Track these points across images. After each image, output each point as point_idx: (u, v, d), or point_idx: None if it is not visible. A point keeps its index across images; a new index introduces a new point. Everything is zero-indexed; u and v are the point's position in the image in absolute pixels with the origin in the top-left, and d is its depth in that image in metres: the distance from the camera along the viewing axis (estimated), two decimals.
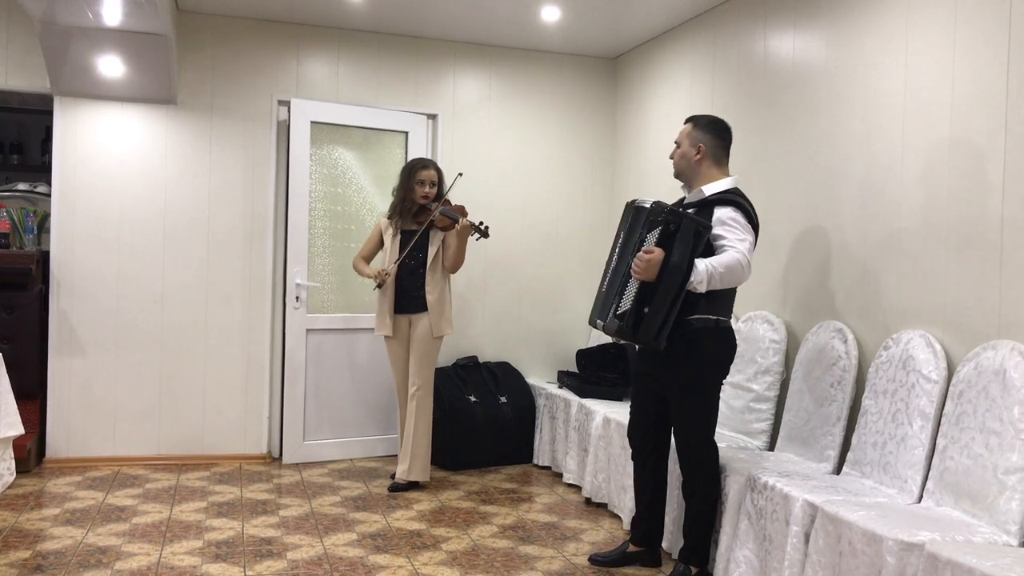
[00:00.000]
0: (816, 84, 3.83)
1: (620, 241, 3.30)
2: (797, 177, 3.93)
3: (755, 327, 3.96)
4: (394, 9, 4.91)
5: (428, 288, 4.53)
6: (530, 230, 5.69)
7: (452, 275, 4.64)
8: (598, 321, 3.29)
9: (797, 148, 3.94)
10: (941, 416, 2.95)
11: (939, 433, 2.93)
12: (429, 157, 5.20)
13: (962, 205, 3.06)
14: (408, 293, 4.59)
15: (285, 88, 5.20)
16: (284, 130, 5.18)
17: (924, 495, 2.91)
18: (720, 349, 3.27)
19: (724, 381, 3.37)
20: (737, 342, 4.06)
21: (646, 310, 3.07)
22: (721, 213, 3.18)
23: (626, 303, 3.13)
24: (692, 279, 3.03)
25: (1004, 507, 2.60)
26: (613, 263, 3.30)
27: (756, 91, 4.25)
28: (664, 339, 3.09)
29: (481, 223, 4.51)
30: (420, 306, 4.55)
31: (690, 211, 3.23)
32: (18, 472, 3.34)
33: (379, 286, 4.58)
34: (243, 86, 5.14)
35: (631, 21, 5.01)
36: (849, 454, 3.29)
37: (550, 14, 4.89)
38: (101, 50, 4.57)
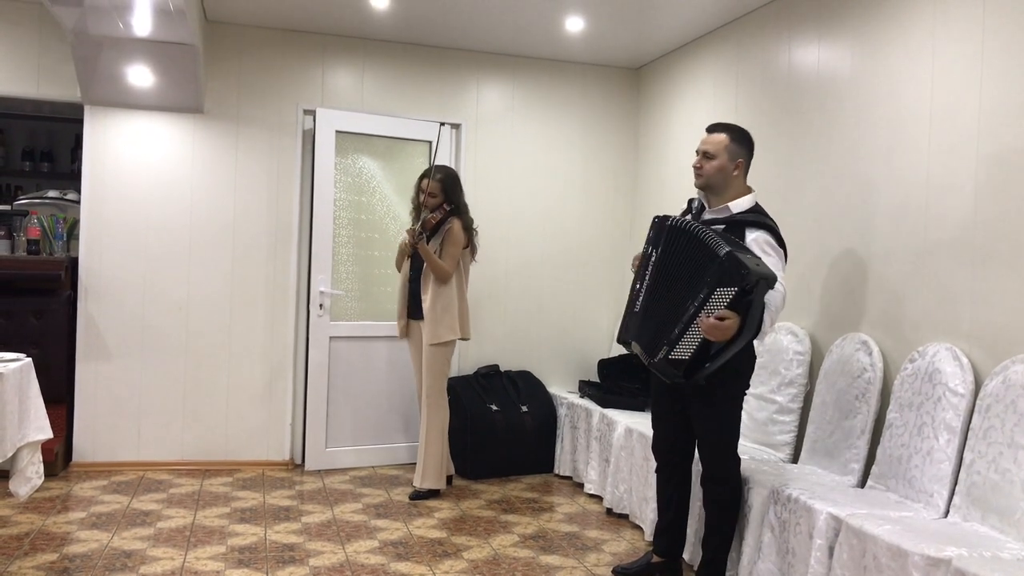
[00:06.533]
0: (841, 95, 3.81)
1: (665, 266, 3.15)
2: (822, 188, 3.91)
3: (779, 338, 3.94)
4: (418, 19, 4.95)
5: (423, 294, 4.57)
6: (552, 239, 5.70)
7: (444, 283, 4.52)
8: (643, 354, 3.19)
9: (822, 159, 3.92)
10: (968, 430, 2.92)
11: (966, 447, 2.90)
12: (447, 165, 5.09)
13: (990, 217, 3.03)
14: (415, 298, 4.64)
15: (310, 97, 5.25)
16: (309, 139, 5.22)
17: (950, 510, 2.88)
18: (743, 361, 3.22)
19: (746, 393, 3.34)
20: (759, 354, 4.03)
21: (707, 365, 3.03)
22: (756, 237, 3.14)
23: (683, 352, 3.03)
24: (758, 338, 3.02)
25: None
26: (665, 289, 3.14)
27: (780, 102, 4.24)
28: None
29: (413, 228, 4.53)
30: (421, 312, 4.59)
31: (718, 227, 3.17)
32: (45, 475, 3.38)
33: (415, 239, 4.52)
34: (269, 95, 5.19)
35: (655, 31, 5.01)
36: (874, 467, 3.26)
37: (574, 24, 4.91)
38: (131, 60, 4.63)
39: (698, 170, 3.30)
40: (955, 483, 2.90)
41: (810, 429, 3.65)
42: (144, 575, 3.37)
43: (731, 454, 3.28)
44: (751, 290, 2.90)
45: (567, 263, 5.72)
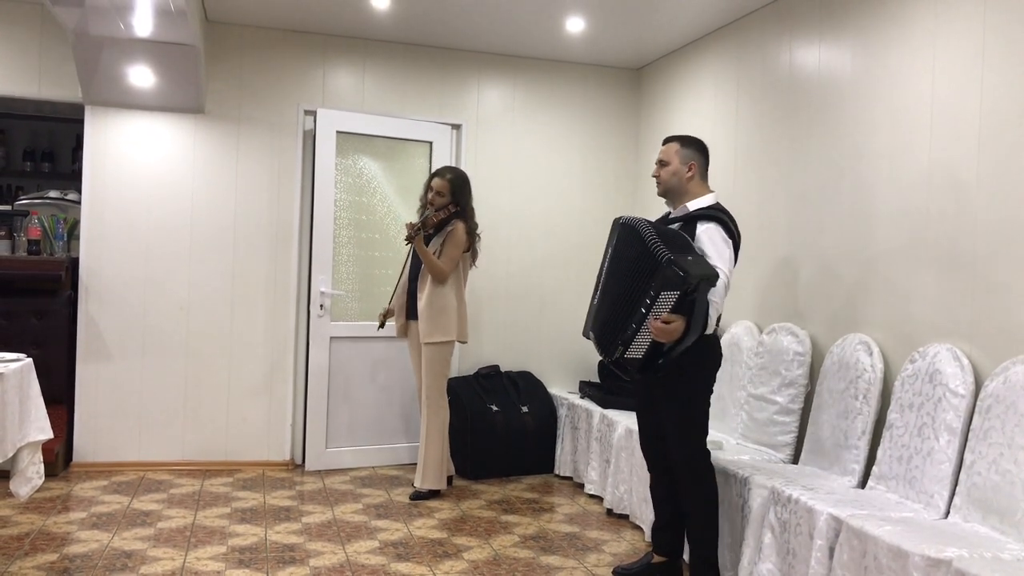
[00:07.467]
0: (842, 96, 3.81)
1: (618, 266, 3.27)
2: (822, 188, 3.91)
3: (779, 339, 3.94)
4: (419, 20, 4.95)
5: (419, 295, 4.59)
6: (553, 239, 5.70)
7: (441, 283, 4.53)
8: (601, 351, 3.33)
9: (822, 159, 3.92)
10: (968, 431, 2.91)
11: (966, 448, 2.90)
12: (454, 166, 5.15)
13: (991, 217, 3.03)
14: (413, 298, 4.66)
15: (311, 98, 5.25)
16: (310, 139, 5.22)
17: (951, 511, 2.88)
18: (709, 359, 3.33)
19: (712, 390, 3.40)
20: (759, 353, 4.02)
21: (660, 361, 3.16)
22: (706, 228, 3.25)
23: (637, 351, 3.17)
24: (704, 331, 3.13)
25: None
26: (616, 289, 3.25)
27: (781, 102, 4.24)
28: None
29: (412, 223, 4.54)
30: (416, 313, 4.62)
31: (674, 226, 3.31)
32: (46, 476, 3.38)
33: (380, 326, 4.78)
34: (270, 96, 5.20)
35: (655, 32, 5.01)
36: (874, 468, 3.26)
37: (574, 25, 4.91)
38: (132, 60, 4.63)
39: (656, 178, 3.47)
40: (955, 484, 2.90)
41: (810, 430, 3.65)
42: (144, 575, 3.37)
43: (697, 449, 3.32)
44: (693, 292, 3.03)
45: (567, 263, 5.72)
